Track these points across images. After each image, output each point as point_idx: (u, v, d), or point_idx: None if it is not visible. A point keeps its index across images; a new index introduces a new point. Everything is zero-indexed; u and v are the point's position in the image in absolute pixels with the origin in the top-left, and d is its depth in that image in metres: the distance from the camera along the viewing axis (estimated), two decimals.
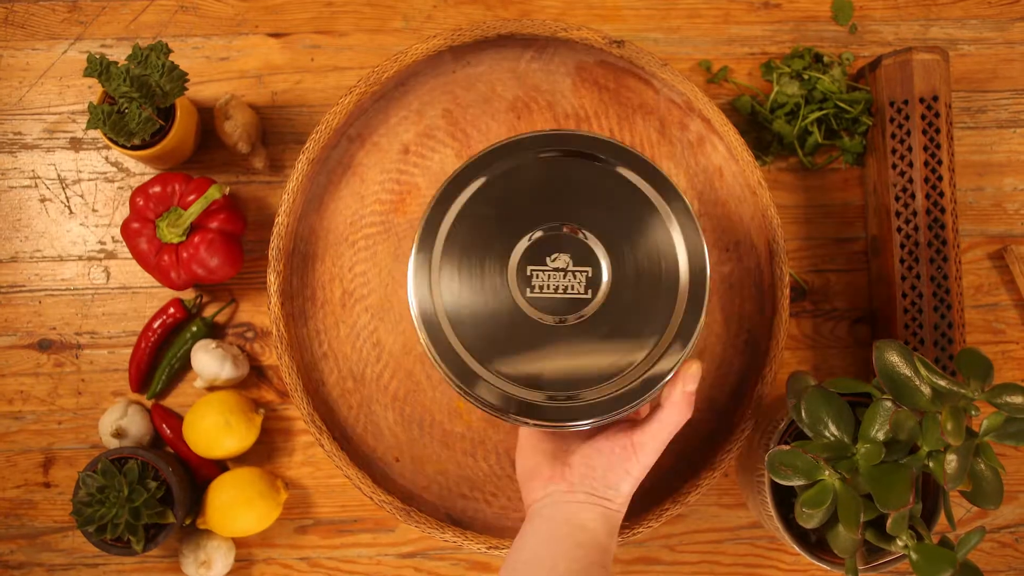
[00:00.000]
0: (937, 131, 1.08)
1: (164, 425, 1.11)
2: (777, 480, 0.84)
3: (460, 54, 1.03)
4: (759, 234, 1.02)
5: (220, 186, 1.03)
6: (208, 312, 1.14)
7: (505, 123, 1.04)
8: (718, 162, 1.03)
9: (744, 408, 1.00)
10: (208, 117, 1.14)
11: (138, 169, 1.15)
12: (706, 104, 1.00)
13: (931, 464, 0.82)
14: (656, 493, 0.99)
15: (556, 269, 0.83)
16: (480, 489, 1.02)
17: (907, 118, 1.08)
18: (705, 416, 1.02)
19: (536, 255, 0.82)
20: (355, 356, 1.03)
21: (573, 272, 0.82)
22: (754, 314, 1.02)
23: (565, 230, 0.83)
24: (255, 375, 1.13)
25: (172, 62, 0.99)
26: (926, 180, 1.09)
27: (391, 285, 1.04)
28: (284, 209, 0.99)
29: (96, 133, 1.15)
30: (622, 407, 0.81)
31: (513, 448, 1.01)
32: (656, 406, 0.84)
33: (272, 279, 0.99)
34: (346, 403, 1.02)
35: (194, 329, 1.11)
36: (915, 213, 1.08)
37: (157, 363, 1.13)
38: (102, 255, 1.14)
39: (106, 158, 1.15)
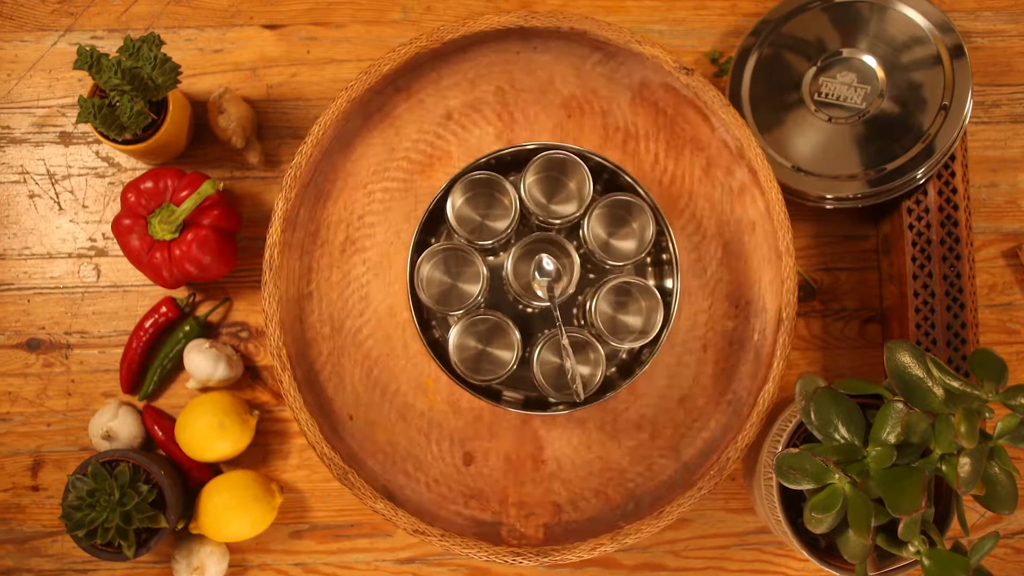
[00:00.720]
0: None
1: (156, 427, 1.10)
2: (785, 484, 0.84)
3: (529, 37, 1.03)
4: (773, 300, 1.02)
5: (214, 182, 1.03)
6: (201, 311, 1.14)
7: (554, 118, 1.04)
8: (754, 216, 1.03)
9: (707, 467, 1.00)
10: (201, 111, 1.14)
11: (129, 164, 1.15)
12: (757, 156, 1.01)
13: (944, 467, 0.82)
14: (597, 525, 1.00)
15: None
16: (424, 471, 1.02)
17: None
18: (668, 463, 1.02)
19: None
20: (340, 304, 1.03)
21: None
22: (745, 378, 1.03)
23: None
24: (249, 376, 1.13)
25: (164, 54, 0.99)
26: (939, 176, 1.08)
27: (395, 245, 1.04)
28: (311, 140, 0.99)
29: (86, 127, 1.14)
30: None
31: (469, 441, 1.02)
32: None
33: (279, 205, 0.99)
34: (317, 347, 1.02)
35: (187, 328, 1.11)
36: (927, 210, 1.08)
37: (149, 363, 1.13)
38: (92, 252, 1.14)
39: (97, 153, 1.15)
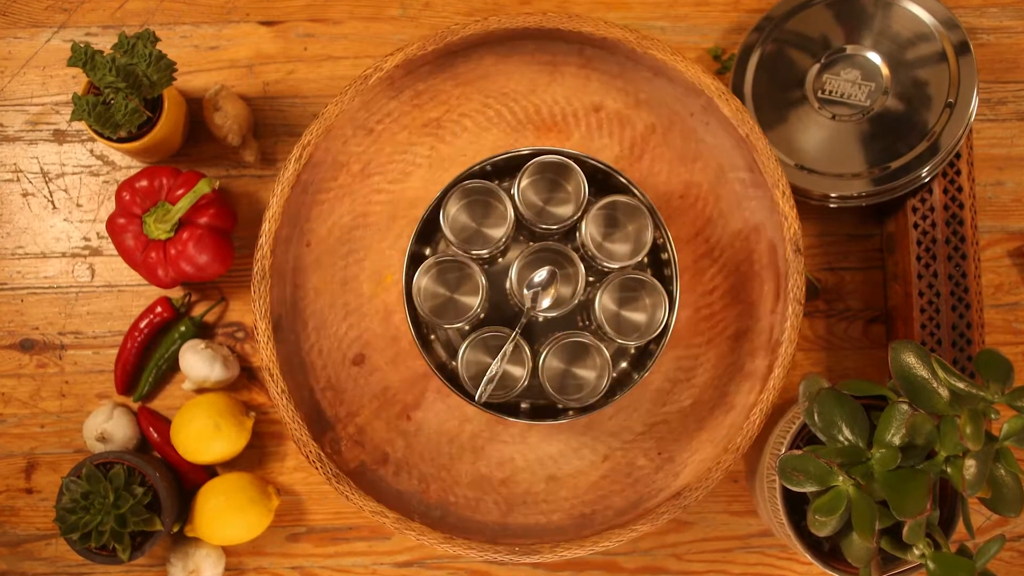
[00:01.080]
0: None
1: (151, 429, 1.10)
2: (789, 486, 0.84)
3: (706, 113, 1.03)
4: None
5: (210, 180, 1.03)
6: (197, 311, 1.14)
7: (671, 185, 1.04)
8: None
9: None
10: (197, 108, 1.14)
11: (124, 162, 1.15)
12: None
13: (949, 470, 0.82)
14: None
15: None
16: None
17: None
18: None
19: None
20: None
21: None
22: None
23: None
24: (246, 377, 1.13)
25: (160, 51, 0.99)
26: (944, 175, 1.08)
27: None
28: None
29: (80, 125, 1.14)
30: None
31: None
32: None
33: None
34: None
35: (182, 329, 1.11)
36: (932, 209, 1.08)
37: (144, 364, 1.13)
38: (87, 252, 1.14)
39: (91, 151, 1.15)
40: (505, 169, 1.00)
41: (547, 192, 0.99)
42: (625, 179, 0.97)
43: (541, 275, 0.95)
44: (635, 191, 0.97)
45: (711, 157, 1.04)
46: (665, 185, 1.04)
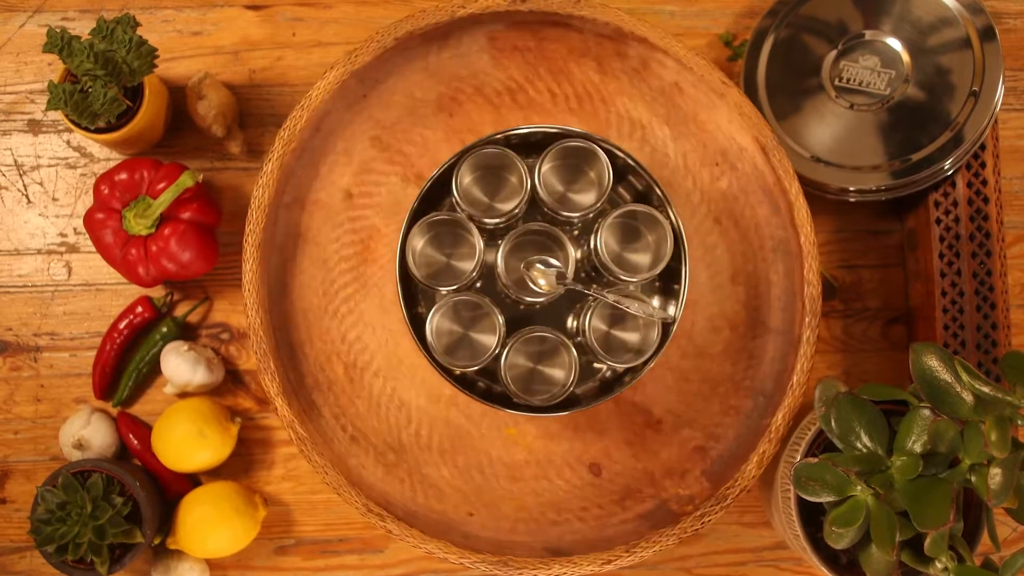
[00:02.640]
0: None
1: (131, 435, 1.10)
2: (804, 496, 0.84)
3: (364, 76, 1.03)
4: (742, 134, 1.03)
5: (193, 173, 1.03)
6: (179, 311, 1.14)
7: (439, 127, 1.05)
8: (671, 78, 1.03)
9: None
10: (180, 97, 1.14)
11: (103, 154, 1.15)
12: (636, 25, 1.01)
13: (973, 478, 0.82)
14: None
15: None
16: (567, 509, 1.03)
17: None
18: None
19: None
20: (384, 427, 1.03)
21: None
22: (770, 216, 1.03)
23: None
24: (231, 380, 1.13)
25: (140, 37, 0.99)
26: (968, 167, 1.08)
27: (391, 339, 1.04)
28: (251, 305, 0.99)
29: (57, 115, 1.14)
30: None
31: (585, 454, 1.03)
32: None
33: (269, 382, 0.99)
34: (396, 478, 1.02)
35: (164, 330, 1.11)
36: (955, 203, 1.08)
37: (123, 367, 1.13)
38: (63, 248, 1.14)
39: (68, 142, 1.15)
40: (522, 147, 1.00)
41: (568, 176, 1.00)
42: (634, 161, 0.98)
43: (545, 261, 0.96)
44: (646, 176, 0.98)
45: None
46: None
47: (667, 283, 1.02)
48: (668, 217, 0.96)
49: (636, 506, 1.02)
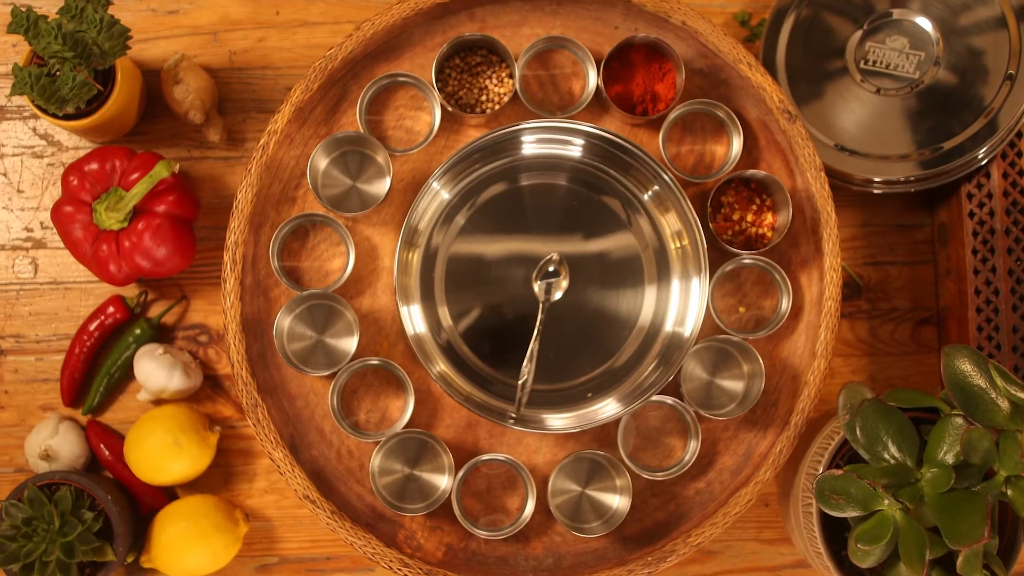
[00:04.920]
0: None
1: (102, 445, 1.10)
2: (827, 511, 0.84)
3: (632, 16, 1.05)
4: (784, 403, 1.04)
5: (168, 163, 1.03)
6: (154, 312, 1.14)
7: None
8: (800, 301, 1.04)
9: (646, 552, 1.01)
10: (154, 81, 1.14)
11: (72, 143, 1.15)
12: (831, 236, 1.02)
13: (1009, 492, 0.82)
14: (503, 568, 1.02)
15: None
16: (340, 438, 1.03)
17: None
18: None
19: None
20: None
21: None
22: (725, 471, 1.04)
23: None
24: (209, 386, 1.13)
25: (112, 16, 0.99)
26: (1003, 156, 1.08)
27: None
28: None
29: (22, 100, 1.14)
30: None
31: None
32: None
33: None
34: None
35: (137, 332, 1.11)
36: (990, 195, 1.08)
37: (94, 372, 1.13)
38: (29, 244, 1.14)
39: (34, 129, 1.15)
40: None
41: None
42: (647, 152, 0.98)
43: (551, 267, 0.99)
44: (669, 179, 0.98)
45: None
46: (620, 112, 1.05)
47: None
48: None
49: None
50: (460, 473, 0.99)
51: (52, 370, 1.13)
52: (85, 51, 0.98)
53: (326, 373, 0.99)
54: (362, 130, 1.01)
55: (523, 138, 1.02)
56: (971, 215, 1.09)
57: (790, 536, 1.09)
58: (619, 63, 1.04)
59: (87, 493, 1.04)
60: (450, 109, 1.01)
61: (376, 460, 0.99)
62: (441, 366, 1.01)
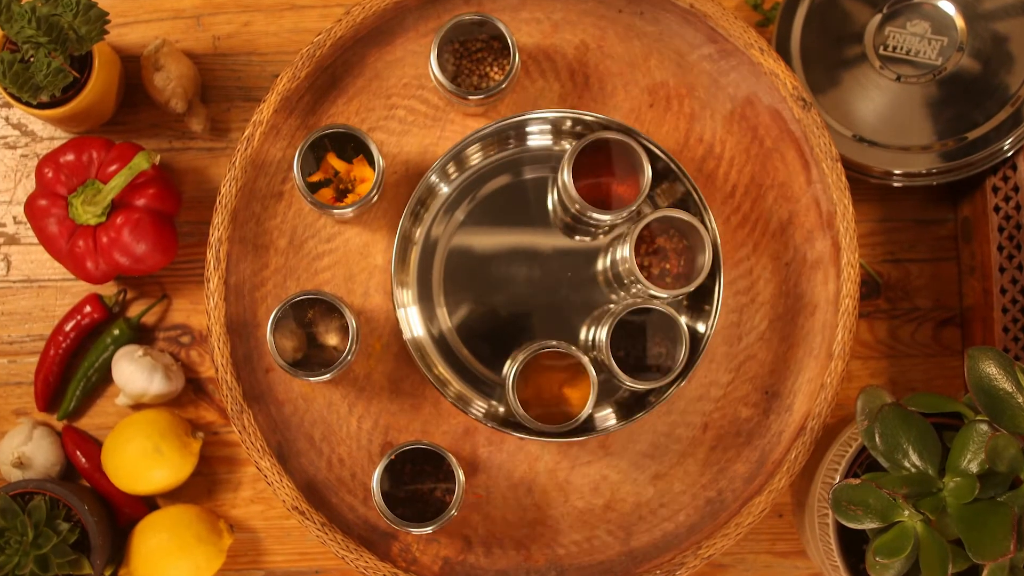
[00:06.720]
0: None
1: (78, 452, 1.10)
2: (844, 522, 0.84)
3: (636, 2, 1.05)
4: (803, 403, 1.03)
5: (148, 154, 1.03)
6: (133, 311, 1.14)
7: (634, 100, 1.05)
8: (818, 299, 1.04)
9: (656, 564, 1.01)
10: (134, 68, 1.14)
11: (47, 133, 1.15)
12: (848, 230, 1.01)
13: None
14: None
15: None
16: (332, 445, 1.03)
17: None
18: (612, 542, 1.03)
19: None
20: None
21: None
22: (737, 479, 1.04)
23: None
24: (192, 390, 1.13)
25: None
26: None
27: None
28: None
29: None
30: None
31: (395, 431, 1.03)
32: None
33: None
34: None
35: (116, 332, 1.11)
36: (1016, 188, 1.08)
37: (70, 375, 1.13)
38: (1, 240, 1.14)
39: (6, 119, 1.15)
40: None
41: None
42: (699, 196, 0.99)
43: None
44: (705, 217, 0.99)
45: (663, 47, 1.05)
46: (626, 100, 1.05)
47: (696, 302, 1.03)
48: (706, 225, 0.98)
49: (376, 514, 1.03)
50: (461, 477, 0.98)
51: (26, 373, 1.13)
52: (60, 36, 0.98)
53: (325, 378, 0.98)
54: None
55: (527, 129, 1.02)
56: (996, 209, 1.09)
57: (805, 549, 1.09)
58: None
59: (63, 503, 1.04)
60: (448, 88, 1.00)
61: (377, 475, 0.97)
62: (439, 369, 1.01)
